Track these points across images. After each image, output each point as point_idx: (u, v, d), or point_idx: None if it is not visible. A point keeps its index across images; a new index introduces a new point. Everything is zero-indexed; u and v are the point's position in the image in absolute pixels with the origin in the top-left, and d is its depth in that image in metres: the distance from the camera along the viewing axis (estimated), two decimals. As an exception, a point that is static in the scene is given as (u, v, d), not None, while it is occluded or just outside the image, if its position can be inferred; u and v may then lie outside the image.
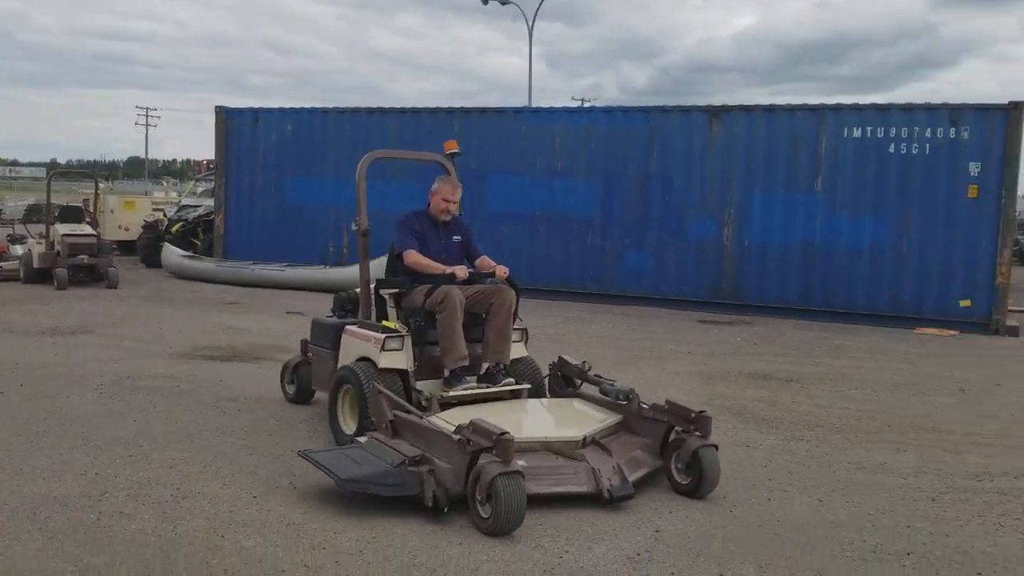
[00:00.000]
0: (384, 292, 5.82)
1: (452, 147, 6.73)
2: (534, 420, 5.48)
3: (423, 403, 5.33)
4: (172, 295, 13.41)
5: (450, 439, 4.38)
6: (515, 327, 5.77)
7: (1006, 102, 11.53)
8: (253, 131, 16.21)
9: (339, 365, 5.73)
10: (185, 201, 20.09)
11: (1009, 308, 12.00)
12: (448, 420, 4.79)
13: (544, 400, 5.79)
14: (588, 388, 5.77)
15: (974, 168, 11.54)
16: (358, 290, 6.24)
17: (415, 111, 15.17)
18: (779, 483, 4.90)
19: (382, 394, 4.94)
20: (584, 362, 5.90)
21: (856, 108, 12.35)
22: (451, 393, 5.37)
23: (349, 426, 5.43)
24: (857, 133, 12.17)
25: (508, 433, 4.11)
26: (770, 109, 12.88)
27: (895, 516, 4.62)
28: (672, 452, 4.84)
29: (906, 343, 10.84)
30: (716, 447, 4.74)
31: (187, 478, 4.81)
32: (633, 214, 13.58)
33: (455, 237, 6.01)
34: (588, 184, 13.84)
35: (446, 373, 5.46)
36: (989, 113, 11.57)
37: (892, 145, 11.97)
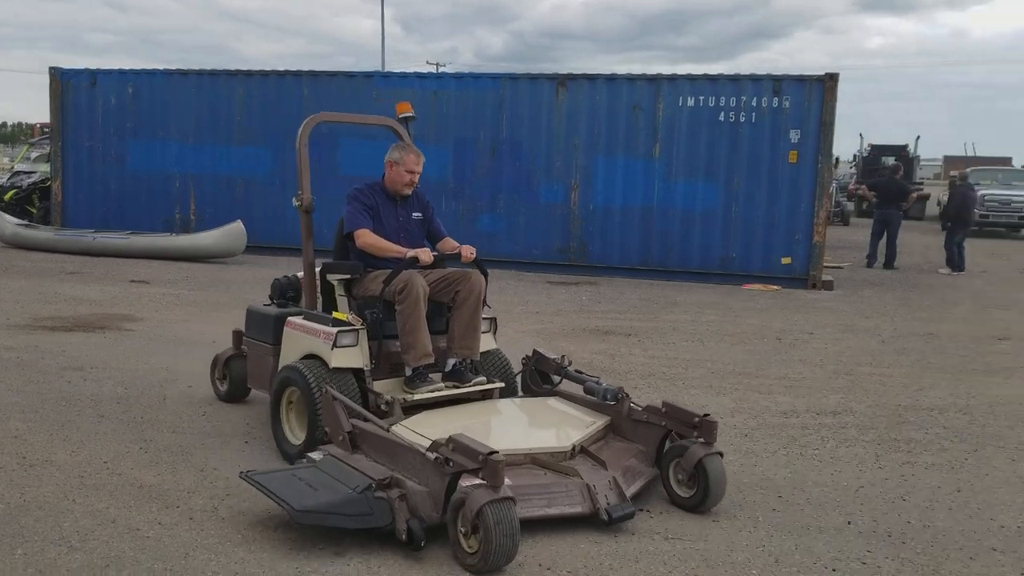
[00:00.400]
0: (332, 278, 5.09)
1: (406, 110, 5.81)
2: (513, 426, 4.83)
3: (382, 407, 4.61)
4: (7, 265, 12.74)
5: (424, 457, 3.74)
6: (483, 316, 5.08)
7: (822, 73, 12.50)
8: (91, 93, 15.46)
9: (281, 363, 4.98)
10: (18, 167, 18.93)
11: (824, 264, 13.14)
12: (416, 430, 4.21)
13: (518, 400, 5.19)
14: (568, 385, 5.23)
15: (794, 135, 12.50)
16: (299, 274, 5.48)
17: (264, 74, 14.88)
18: (610, 426, 5.30)
19: (337, 400, 4.26)
20: (563, 356, 5.34)
21: (690, 78, 13.04)
22: (416, 396, 4.70)
23: (296, 435, 4.72)
24: (691, 102, 12.90)
25: (497, 452, 3.48)
26: (612, 78, 13.41)
27: (711, 451, 5.18)
28: (671, 460, 4.30)
29: (734, 298, 11.71)
30: (721, 455, 4.23)
31: (33, 447, 4.79)
32: (485, 178, 13.91)
33: (415, 214, 5.22)
34: (441, 149, 14.02)
35: (407, 371, 4.80)
36: (807, 83, 12.50)
37: (722, 114, 12.77)
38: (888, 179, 16.50)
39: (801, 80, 12.59)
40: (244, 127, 14.73)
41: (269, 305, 5.52)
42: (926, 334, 9.39)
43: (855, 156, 33.61)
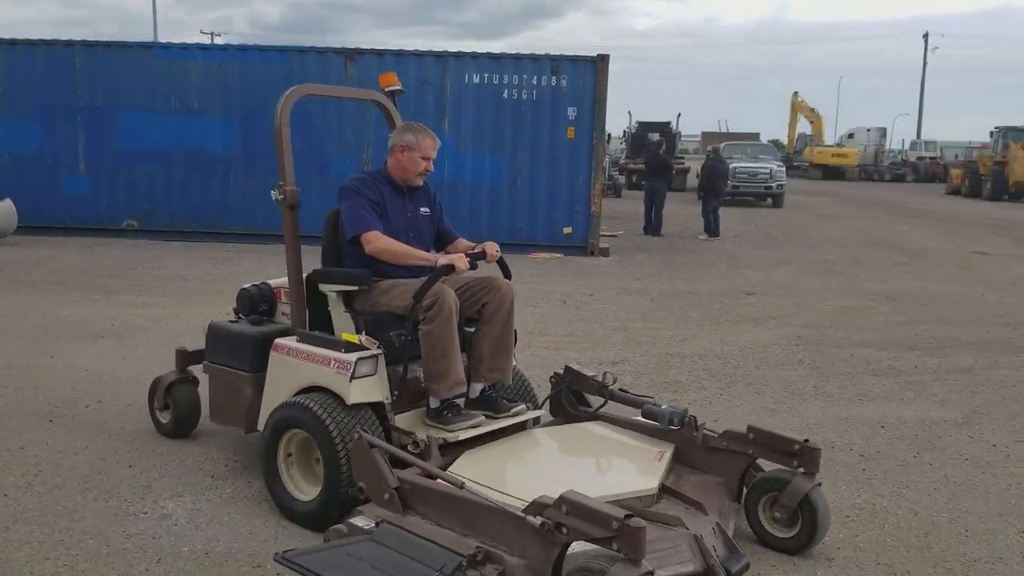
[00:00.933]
0: (328, 289, 4.14)
1: (392, 82, 4.89)
2: (577, 464, 4.05)
3: (410, 449, 3.78)
4: None
5: (521, 521, 2.98)
6: None
7: (594, 54, 13.45)
8: None
9: (268, 396, 4.08)
10: None
11: (601, 233, 14.21)
12: (479, 481, 3.38)
13: (559, 429, 4.41)
14: (611, 407, 4.45)
15: (572, 112, 13.39)
16: (272, 282, 4.56)
17: (29, 43, 13.82)
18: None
19: (376, 448, 3.39)
20: (606, 373, 4.54)
21: (474, 56, 13.63)
22: (461, 435, 3.87)
23: (303, 490, 3.86)
24: (476, 79, 13.46)
25: (634, 517, 2.78)
26: (399, 53, 13.71)
27: (508, 401, 5.72)
28: (763, 495, 3.71)
29: (522, 266, 12.37)
30: (820, 484, 3.69)
31: None
32: (274, 153, 13.77)
33: (423, 209, 4.36)
34: (227, 122, 13.75)
35: (433, 403, 4.00)
36: (581, 64, 13.41)
37: (506, 91, 13.44)
38: (653, 154, 17.96)
39: (576, 61, 13.48)
40: (9, 100, 13.68)
41: (237, 321, 4.50)
42: (688, 292, 10.54)
43: (625, 132, 35.77)
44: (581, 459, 4.11)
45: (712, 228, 16.94)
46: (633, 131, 33.27)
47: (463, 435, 3.87)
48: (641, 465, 3.88)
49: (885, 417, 5.67)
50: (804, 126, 52.05)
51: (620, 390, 4.43)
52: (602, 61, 13.37)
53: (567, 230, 13.71)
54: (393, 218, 4.17)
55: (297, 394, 3.89)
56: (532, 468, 3.90)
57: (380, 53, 13.72)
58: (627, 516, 2.76)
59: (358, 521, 3.23)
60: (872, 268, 13.24)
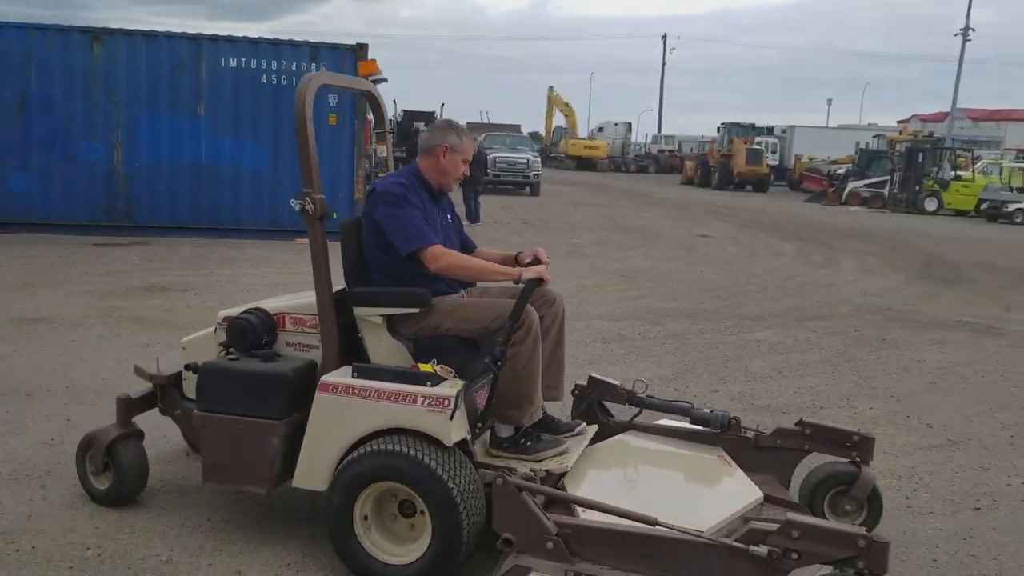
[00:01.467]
0: (369, 313, 3.61)
1: (373, 70, 3.93)
2: (675, 482, 3.83)
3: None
4: None
5: (742, 554, 2.79)
6: None
7: (354, 42, 13.65)
8: None
9: (315, 444, 3.42)
10: None
11: (365, 219, 14.55)
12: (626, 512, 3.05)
13: (605, 444, 4.04)
14: (646, 416, 4.27)
15: (332, 99, 13.59)
16: (266, 306, 3.82)
17: None
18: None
19: (525, 491, 3.06)
20: (635, 381, 4.29)
21: (231, 40, 13.47)
22: (567, 464, 3.60)
23: (389, 551, 3.34)
24: (233, 64, 13.32)
25: (876, 532, 2.72)
26: (150, 35, 13.29)
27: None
28: (829, 489, 3.79)
29: (286, 252, 12.53)
30: None
31: None
32: (13, 135, 12.92)
33: (449, 216, 3.95)
34: (-46, 102, 12.73)
35: (504, 431, 3.66)
36: (340, 51, 13.58)
37: (264, 76, 13.40)
38: (412, 141, 18.57)
39: (335, 48, 13.67)
40: None
41: (236, 359, 3.66)
42: (447, 274, 11.14)
43: (391, 121, 36.07)
44: (667, 476, 3.89)
45: (473, 214, 17.76)
46: (399, 119, 33.67)
47: (568, 463, 3.59)
48: (724, 474, 3.75)
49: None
50: (560, 119, 54.82)
51: (649, 396, 4.25)
52: (361, 50, 13.61)
53: (332, 215, 13.88)
54: (431, 227, 3.69)
55: (361, 441, 3.34)
56: (639, 492, 3.57)
57: (129, 34, 13.24)
58: (867, 531, 2.76)
59: None
60: (613, 250, 14.59)
